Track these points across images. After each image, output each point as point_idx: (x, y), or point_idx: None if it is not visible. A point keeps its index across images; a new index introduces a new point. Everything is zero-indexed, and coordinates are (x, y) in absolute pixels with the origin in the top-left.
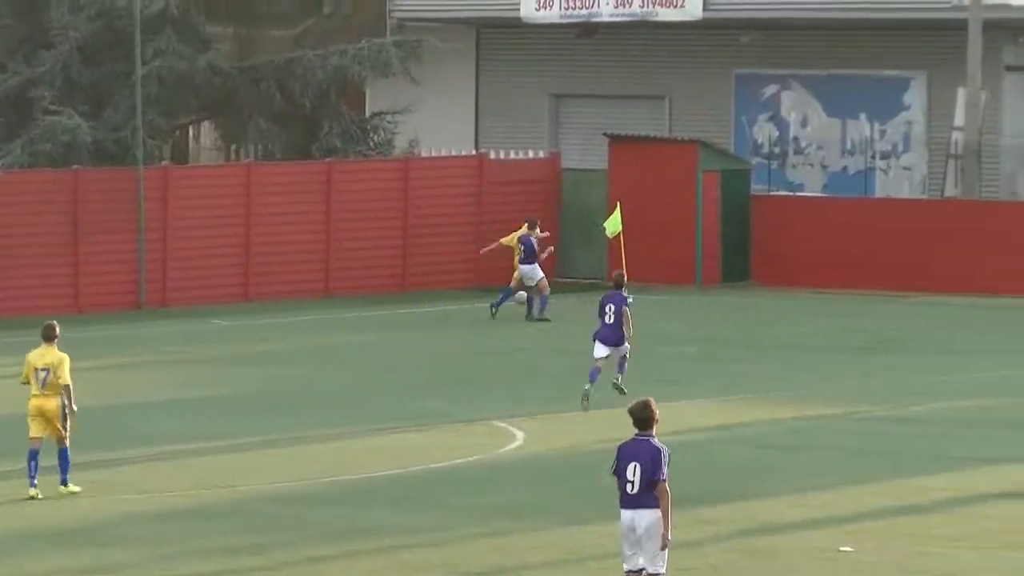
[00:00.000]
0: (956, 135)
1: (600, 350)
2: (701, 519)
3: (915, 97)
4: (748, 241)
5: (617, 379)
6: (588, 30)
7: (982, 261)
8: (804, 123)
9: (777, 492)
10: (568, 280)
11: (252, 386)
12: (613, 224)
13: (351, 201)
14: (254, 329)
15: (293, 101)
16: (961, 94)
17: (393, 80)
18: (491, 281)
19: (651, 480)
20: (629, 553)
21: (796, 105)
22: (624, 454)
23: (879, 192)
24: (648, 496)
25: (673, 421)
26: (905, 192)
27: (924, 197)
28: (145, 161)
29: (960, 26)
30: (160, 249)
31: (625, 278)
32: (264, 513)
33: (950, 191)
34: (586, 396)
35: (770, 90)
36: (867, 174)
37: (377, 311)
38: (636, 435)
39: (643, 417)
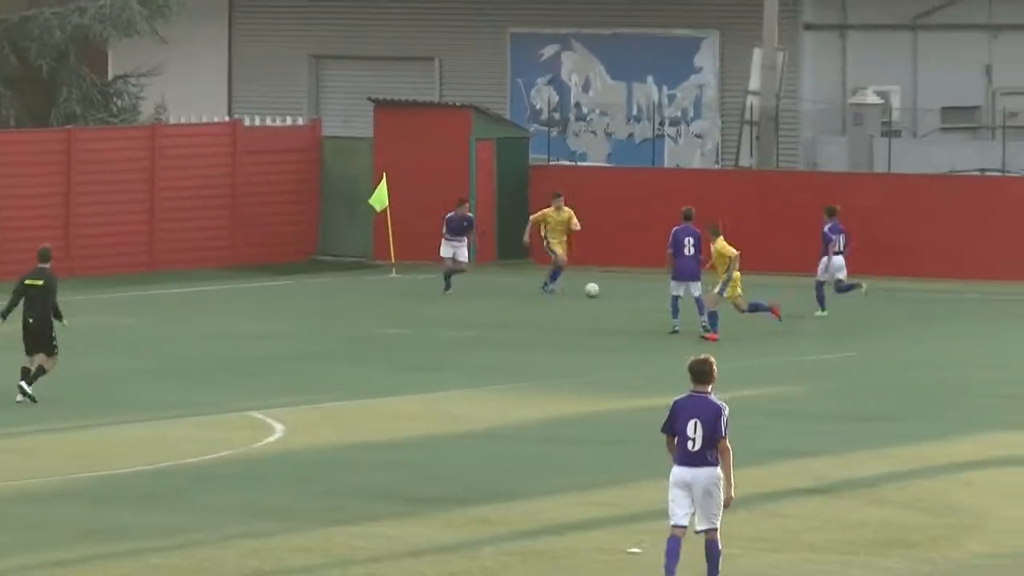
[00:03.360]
0: (751, 100)
1: (676, 287)
2: (475, 518)
3: (707, 58)
4: (526, 216)
5: (704, 323)
6: None
7: (780, 237)
8: (587, 87)
9: (560, 490)
10: (331, 258)
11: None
12: (379, 198)
13: (93, 172)
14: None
15: (28, 63)
16: (757, 55)
17: (138, 40)
18: (245, 259)
19: (712, 437)
20: (681, 512)
21: (578, 67)
22: (682, 410)
23: (668, 162)
24: (707, 453)
25: (442, 413)
26: (696, 162)
27: (717, 167)
28: None
29: None
30: None
31: (693, 211)
32: (4, 513)
33: (745, 160)
34: (675, 331)
35: (549, 51)
36: (655, 142)
37: (123, 292)
38: (693, 391)
39: (703, 371)
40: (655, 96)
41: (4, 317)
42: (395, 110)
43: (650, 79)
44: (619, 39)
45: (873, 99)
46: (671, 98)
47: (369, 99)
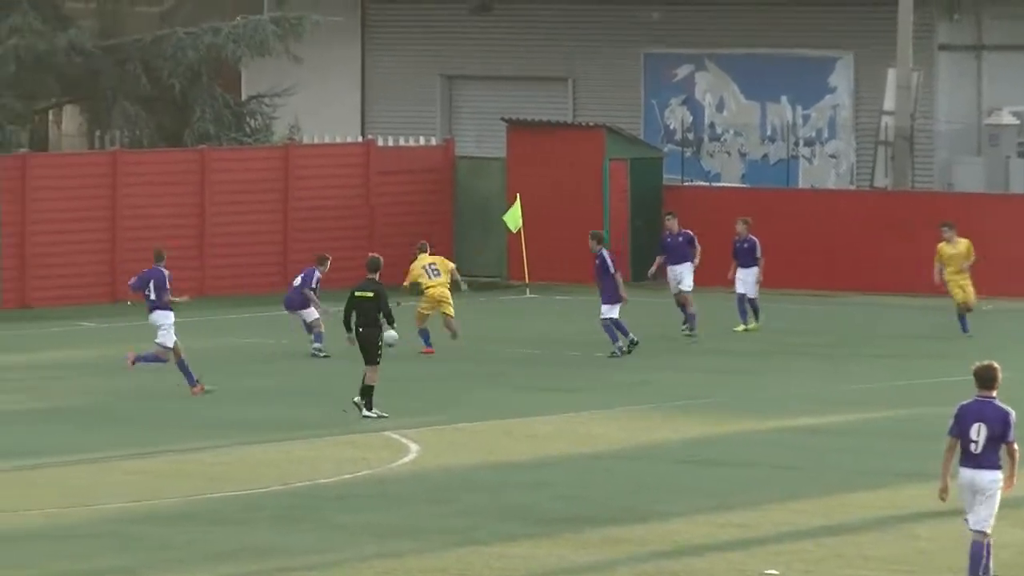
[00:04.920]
0: (886, 120)
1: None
2: (610, 539)
3: (841, 79)
4: (659, 236)
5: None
6: (483, 5)
7: (915, 257)
8: (721, 107)
9: (695, 511)
10: (465, 278)
11: (120, 394)
12: (513, 218)
13: (226, 192)
14: (123, 332)
15: (161, 83)
16: (891, 75)
17: (271, 60)
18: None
19: (998, 441)
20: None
21: (712, 87)
22: (967, 414)
23: (802, 182)
24: (990, 456)
25: (577, 433)
26: (831, 182)
27: (852, 187)
28: (1, 148)
29: (890, 1)
30: (18, 244)
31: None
32: (130, 534)
33: (880, 181)
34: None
35: (683, 71)
36: (790, 163)
37: (256, 312)
38: (978, 396)
39: (988, 376)
40: (789, 116)
41: (350, 331)
42: (528, 130)
43: (784, 99)
44: (753, 59)
45: (1009, 119)
46: (805, 118)
47: (502, 119)
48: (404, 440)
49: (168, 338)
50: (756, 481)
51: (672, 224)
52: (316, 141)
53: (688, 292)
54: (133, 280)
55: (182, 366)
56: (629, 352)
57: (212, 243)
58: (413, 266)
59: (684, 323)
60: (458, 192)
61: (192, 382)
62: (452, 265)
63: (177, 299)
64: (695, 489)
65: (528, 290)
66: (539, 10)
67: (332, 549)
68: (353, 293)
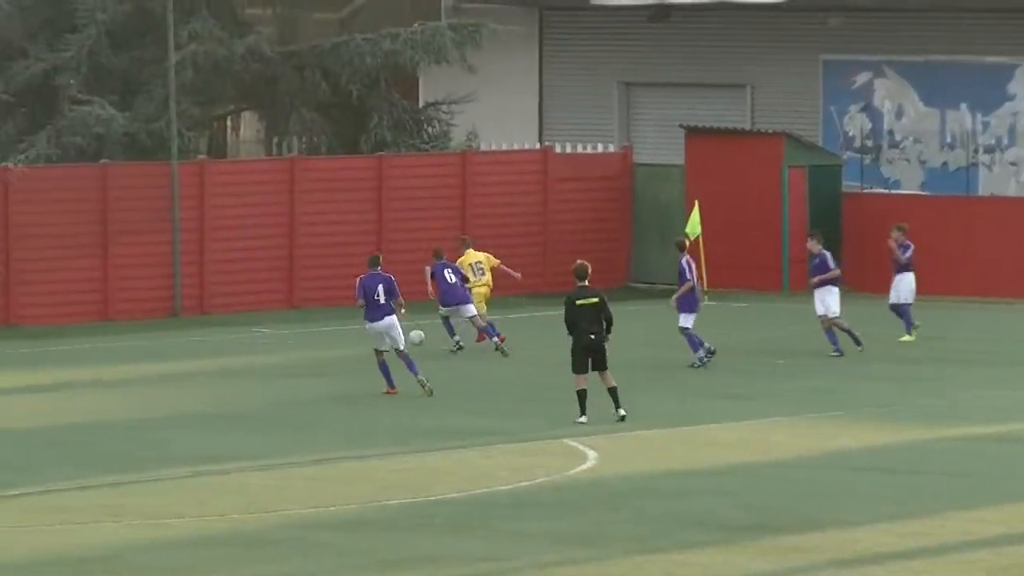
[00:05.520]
0: None
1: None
2: (789, 547)
3: (1020, 86)
4: (839, 243)
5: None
6: (661, 13)
7: None
8: (900, 114)
9: (874, 519)
10: (644, 285)
11: (299, 401)
12: (692, 226)
13: (404, 199)
14: (300, 338)
15: (340, 90)
16: None
17: (449, 67)
18: (559, 287)
19: None
20: None
21: (891, 94)
22: None
23: (983, 190)
24: None
25: (756, 441)
26: (1012, 190)
27: None
28: (180, 155)
29: None
30: (196, 251)
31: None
32: (312, 540)
33: None
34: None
35: (862, 78)
36: (969, 170)
37: (434, 317)
38: None
39: None
40: (969, 123)
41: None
42: (707, 137)
43: (964, 106)
44: (932, 66)
45: None
46: (985, 125)
47: (680, 126)
48: (582, 447)
49: (401, 340)
50: (935, 489)
51: (811, 245)
52: (493, 148)
53: (824, 316)
54: (358, 291)
55: (383, 368)
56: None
57: (389, 249)
58: (460, 262)
59: (854, 343)
60: (636, 199)
61: (391, 383)
62: (497, 261)
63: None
64: (874, 497)
65: (707, 297)
66: (716, 17)
67: (509, 556)
68: (575, 302)
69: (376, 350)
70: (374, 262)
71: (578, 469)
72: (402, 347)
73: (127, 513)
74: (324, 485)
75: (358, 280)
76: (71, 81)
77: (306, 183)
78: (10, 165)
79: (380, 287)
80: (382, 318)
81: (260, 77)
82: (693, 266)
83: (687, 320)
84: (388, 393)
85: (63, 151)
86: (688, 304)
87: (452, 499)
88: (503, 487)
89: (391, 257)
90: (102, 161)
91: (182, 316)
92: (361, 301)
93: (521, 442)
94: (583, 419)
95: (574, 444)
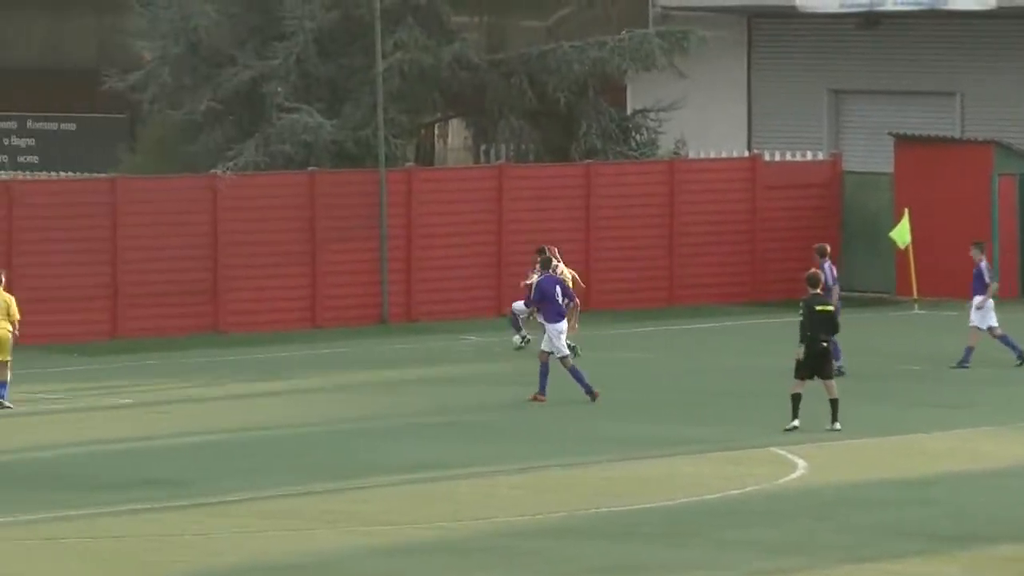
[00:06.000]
0: None
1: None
2: (1002, 557)
3: None
4: None
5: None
6: (870, 20)
7: None
8: None
9: None
10: (854, 294)
11: (506, 408)
12: (901, 234)
13: (612, 207)
14: (508, 346)
15: (547, 97)
16: None
17: (657, 74)
18: (767, 295)
19: None
20: None
21: None
22: None
23: None
24: None
25: (967, 450)
26: None
27: None
28: (388, 162)
29: None
30: (403, 259)
31: None
32: (519, 548)
33: None
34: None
35: None
36: None
37: (642, 327)
38: None
39: None
40: None
41: (803, 343)
42: (916, 145)
43: None
44: None
45: None
46: None
47: (890, 134)
48: (791, 456)
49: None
50: None
51: (973, 254)
52: (701, 156)
53: (977, 328)
54: (536, 293)
55: (575, 372)
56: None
57: (597, 258)
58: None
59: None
60: (845, 207)
61: (543, 390)
62: (573, 273)
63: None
64: None
65: (916, 306)
66: (926, 24)
67: (717, 565)
68: (814, 308)
69: (545, 351)
70: (547, 263)
71: (787, 478)
72: (565, 354)
73: (341, 520)
74: (532, 493)
75: (535, 282)
76: (279, 89)
77: (514, 190)
78: (219, 172)
79: (557, 288)
80: (559, 320)
81: (467, 85)
82: (835, 271)
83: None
84: (536, 400)
85: (271, 159)
86: None
87: (661, 507)
88: (712, 495)
89: (598, 264)
90: (310, 169)
91: (389, 323)
92: (535, 303)
93: (730, 450)
94: (795, 423)
95: (783, 453)
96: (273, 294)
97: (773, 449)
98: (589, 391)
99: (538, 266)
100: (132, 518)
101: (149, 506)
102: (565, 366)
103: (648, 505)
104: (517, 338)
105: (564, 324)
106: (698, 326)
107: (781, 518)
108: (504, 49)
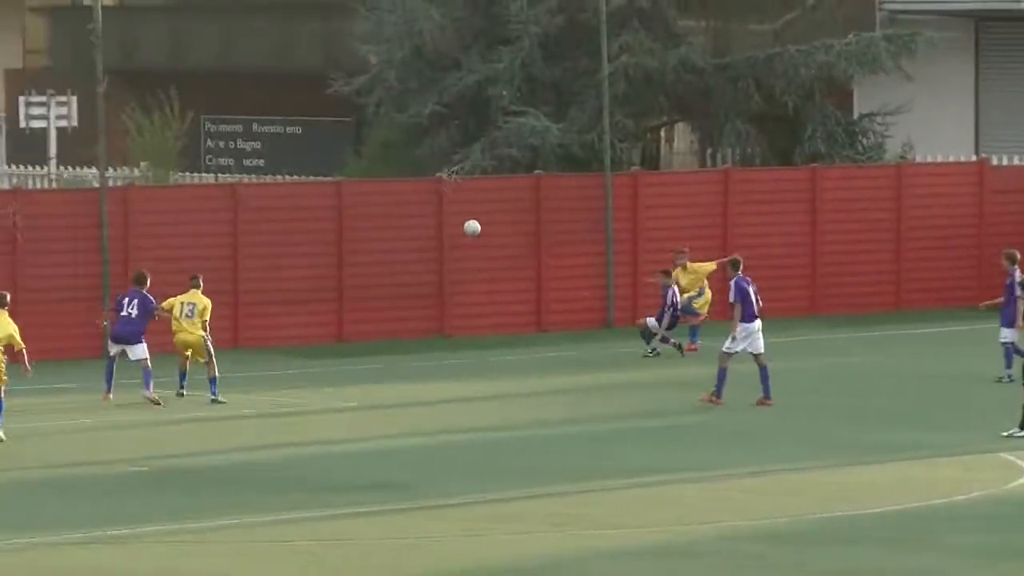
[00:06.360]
0: None
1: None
2: None
3: None
4: None
5: None
6: None
7: None
8: None
9: None
10: None
11: (730, 412)
12: None
13: (837, 211)
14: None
15: (773, 101)
16: None
17: (883, 77)
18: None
19: None
20: None
21: None
22: None
23: None
24: None
25: None
26: None
27: None
28: (613, 166)
29: None
30: (629, 263)
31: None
32: (743, 552)
33: None
34: None
35: None
36: None
37: (868, 331)
38: None
39: None
40: None
41: None
42: None
43: None
44: None
45: None
46: None
47: None
48: (1020, 462)
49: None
50: None
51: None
52: (928, 159)
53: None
54: (735, 292)
55: (765, 372)
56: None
57: (823, 261)
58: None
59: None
60: None
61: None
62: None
63: None
64: None
65: None
66: None
67: (944, 571)
68: None
69: (727, 353)
70: (737, 264)
71: (1015, 483)
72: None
73: (568, 523)
74: (760, 497)
75: (734, 281)
76: (503, 92)
77: (739, 194)
78: (444, 176)
79: (751, 288)
80: (753, 320)
81: (693, 88)
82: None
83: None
84: (711, 401)
85: (497, 162)
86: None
87: (888, 512)
88: (939, 500)
89: (823, 269)
90: (536, 172)
91: (615, 327)
92: (738, 303)
93: (958, 456)
94: (1016, 431)
95: (1011, 458)
96: (499, 297)
97: (1002, 455)
98: (767, 395)
99: (728, 268)
100: (357, 520)
101: (375, 508)
102: (759, 363)
103: (875, 510)
104: (652, 347)
105: (759, 323)
106: (925, 331)
107: (1008, 523)
108: (730, 53)
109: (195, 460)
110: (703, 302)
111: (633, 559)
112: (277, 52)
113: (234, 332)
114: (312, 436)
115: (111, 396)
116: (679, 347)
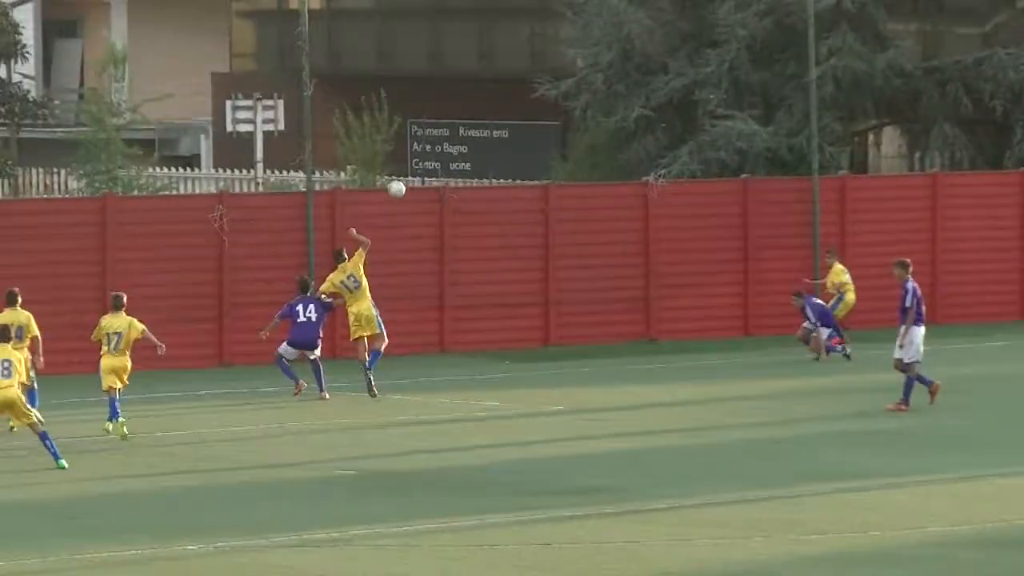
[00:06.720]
0: None
1: None
2: None
3: None
4: None
5: None
6: None
7: None
8: None
9: None
10: None
11: (931, 417)
12: None
13: None
14: (936, 353)
15: (982, 105)
16: None
17: None
18: None
19: None
20: None
21: None
22: None
23: None
24: None
25: None
26: None
27: None
28: (821, 170)
29: None
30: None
31: None
32: (952, 557)
33: None
34: None
35: None
36: None
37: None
38: None
39: None
40: None
41: None
42: None
43: None
44: None
45: None
46: None
47: None
48: None
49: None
50: None
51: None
52: None
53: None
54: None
55: (914, 380)
56: None
57: None
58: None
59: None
60: None
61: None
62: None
63: None
64: None
65: None
66: None
67: None
68: None
69: (918, 362)
70: (905, 266)
71: None
72: (911, 359)
73: (774, 528)
74: (969, 502)
75: (912, 286)
76: (711, 96)
77: (948, 199)
78: (651, 180)
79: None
80: (919, 324)
81: (901, 92)
82: None
83: None
84: (898, 409)
85: (705, 166)
86: None
87: None
88: None
89: None
90: (743, 176)
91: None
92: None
93: None
94: None
95: None
96: (705, 301)
97: None
98: (906, 400)
99: (897, 269)
100: (561, 524)
101: (580, 512)
102: (910, 372)
103: None
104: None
105: (922, 330)
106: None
107: None
108: (938, 56)
109: (400, 462)
110: (843, 307)
111: (837, 564)
112: (483, 56)
113: (440, 336)
114: (518, 439)
115: (304, 384)
116: (846, 355)
